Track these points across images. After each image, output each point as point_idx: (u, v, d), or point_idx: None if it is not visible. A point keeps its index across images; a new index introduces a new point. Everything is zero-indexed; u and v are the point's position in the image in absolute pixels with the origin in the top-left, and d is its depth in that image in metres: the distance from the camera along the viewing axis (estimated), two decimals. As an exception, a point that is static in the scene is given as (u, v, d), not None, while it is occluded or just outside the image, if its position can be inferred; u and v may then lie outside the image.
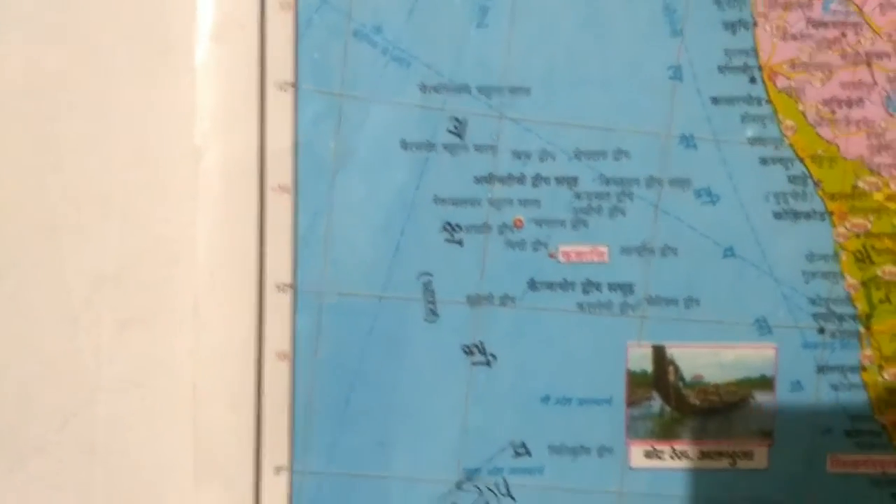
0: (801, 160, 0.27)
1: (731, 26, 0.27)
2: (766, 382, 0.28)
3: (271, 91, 0.27)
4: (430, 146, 0.27)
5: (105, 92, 0.28)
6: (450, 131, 0.27)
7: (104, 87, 0.28)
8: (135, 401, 0.28)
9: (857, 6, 0.27)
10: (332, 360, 0.27)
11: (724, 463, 0.28)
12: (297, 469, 0.27)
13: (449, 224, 0.28)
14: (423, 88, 0.27)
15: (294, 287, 0.27)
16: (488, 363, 0.28)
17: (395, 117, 0.27)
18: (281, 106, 0.27)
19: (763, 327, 0.28)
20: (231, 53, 0.27)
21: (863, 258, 0.27)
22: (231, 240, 0.27)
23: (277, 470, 0.27)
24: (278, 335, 0.27)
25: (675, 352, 0.28)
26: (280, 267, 0.27)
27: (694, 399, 0.28)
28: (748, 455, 0.28)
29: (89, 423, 0.28)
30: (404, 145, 0.27)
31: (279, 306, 0.27)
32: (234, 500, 0.27)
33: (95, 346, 0.28)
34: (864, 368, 0.28)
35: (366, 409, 0.28)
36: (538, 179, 0.28)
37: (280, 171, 0.27)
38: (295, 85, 0.27)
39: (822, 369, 0.28)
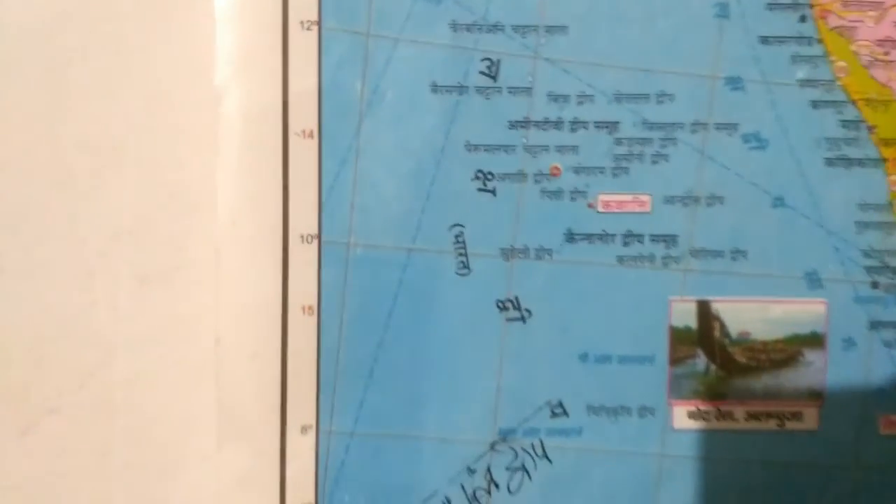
0: (854, 103, 0.27)
1: (781, -39, 0.26)
2: (816, 339, 0.27)
3: (294, 30, 0.26)
4: (461, 89, 0.27)
5: (118, 33, 0.27)
6: (482, 73, 0.27)
7: (117, 29, 0.27)
8: (154, 359, 0.27)
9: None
10: (359, 315, 0.27)
11: (771, 424, 0.27)
12: (323, 428, 0.27)
13: (481, 172, 0.27)
14: (454, 27, 0.27)
15: (319, 238, 0.27)
16: (523, 319, 0.27)
17: (424, 58, 0.26)
18: (304, 46, 0.26)
19: (813, 281, 0.27)
20: (252, -10, 0.26)
21: (920, 207, 0.27)
22: (253, 188, 0.26)
23: (304, 429, 0.27)
24: (303, 288, 0.27)
25: (720, 307, 0.27)
26: (305, 217, 0.27)
27: (740, 357, 0.27)
28: (797, 416, 0.27)
29: (107, 383, 0.27)
30: (434, 88, 0.27)
31: (304, 258, 0.27)
32: (258, 460, 0.27)
33: (112, 302, 0.27)
34: (919, 324, 0.27)
35: (395, 367, 0.27)
36: (576, 124, 0.27)
37: (304, 115, 0.26)
38: (319, 24, 0.26)
39: (874, 325, 0.27)
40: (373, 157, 0.27)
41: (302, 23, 0.26)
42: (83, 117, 0.27)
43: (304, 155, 0.27)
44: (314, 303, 0.27)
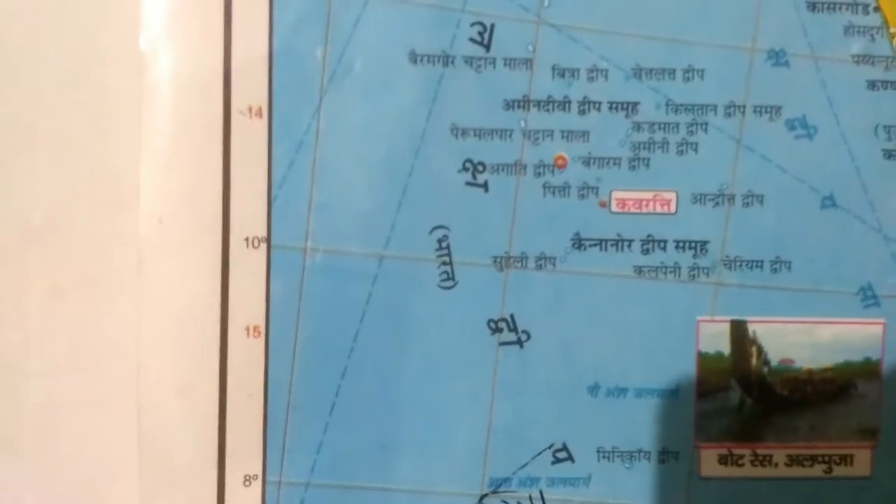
0: None
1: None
2: (870, 367, 0.26)
3: None
4: (446, 59, 0.25)
5: None
6: (472, 40, 0.25)
7: None
8: (69, 388, 0.26)
9: None
10: (317, 338, 0.26)
11: (817, 470, 0.26)
12: (271, 479, 0.26)
13: (470, 162, 0.25)
14: None
15: (268, 242, 0.25)
16: (520, 343, 0.26)
17: (401, 20, 0.25)
18: (252, 2, 0.25)
19: (869, 297, 0.26)
20: (186, -67, 0.25)
21: None
22: (186, 178, 0.25)
23: (246, 479, 0.26)
24: (248, 304, 0.25)
25: (758, 329, 0.26)
26: (250, 215, 0.25)
27: (781, 389, 0.26)
28: (847, 460, 0.26)
29: (13, 415, 0.26)
30: (413, 58, 0.25)
31: (249, 266, 0.25)
32: (190, 519, 0.26)
33: (19, 320, 0.26)
34: None
35: (362, 402, 0.26)
36: (586, 105, 0.25)
37: (251, 88, 0.25)
38: None
39: None
40: (336, 141, 0.25)
41: None
42: (-16, 92, 0.26)
43: (250, 137, 0.25)
44: (261, 322, 0.26)
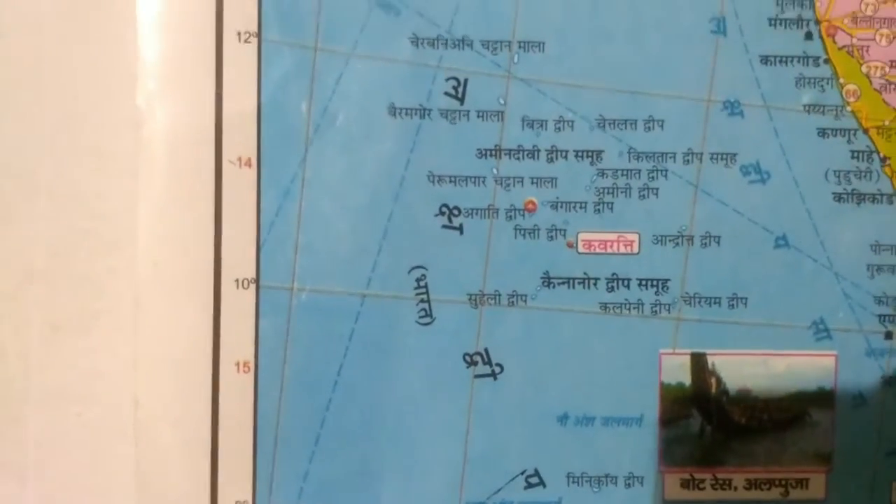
0: (866, 131, 0.26)
1: (784, -29, 0.26)
2: (823, 396, 0.26)
3: (230, 42, 0.25)
4: (423, 111, 0.26)
5: (28, 43, 0.26)
6: (447, 94, 0.26)
7: (27, 40, 0.26)
8: (69, 418, 0.26)
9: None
10: (303, 372, 0.26)
11: (774, 494, 0.26)
12: None
13: (446, 206, 0.26)
14: (416, 41, 0.26)
15: (257, 282, 0.26)
16: (494, 375, 0.26)
17: (380, 77, 0.25)
18: (242, 61, 0.25)
19: (821, 331, 0.26)
20: (181, -4, 0.25)
21: (939, 249, 0.26)
22: (180, 223, 0.25)
23: None
24: (238, 341, 0.26)
25: (717, 361, 0.26)
26: (240, 258, 0.26)
27: (739, 417, 0.26)
28: (802, 484, 0.26)
29: (16, 443, 0.26)
30: (392, 111, 0.26)
31: (239, 306, 0.26)
32: (183, 543, 0.26)
33: (22, 353, 0.26)
34: (940, 380, 0.26)
35: (345, 433, 0.26)
36: (554, 153, 0.26)
37: (241, 140, 0.25)
38: (259, 35, 0.25)
39: (889, 381, 0.26)
40: (321, 188, 0.26)
41: (239, 34, 0.25)
42: (-15, 140, 0.26)
43: (241, 186, 0.26)
44: (250, 358, 0.26)
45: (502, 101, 0.26)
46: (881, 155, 0.26)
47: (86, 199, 0.26)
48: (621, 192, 0.26)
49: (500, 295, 0.26)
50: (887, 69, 0.26)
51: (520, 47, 0.25)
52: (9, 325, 0.26)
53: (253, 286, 0.26)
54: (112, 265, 0.26)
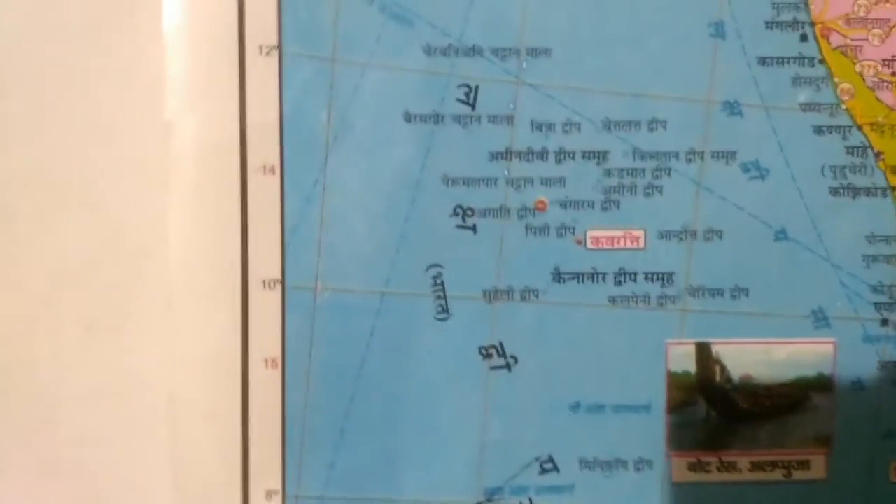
0: (860, 128, 0.26)
1: (779, -24, 0.26)
2: (823, 382, 0.26)
3: (252, 56, 0.26)
4: (437, 118, 0.26)
5: (60, 61, 0.27)
6: (459, 100, 0.26)
7: (59, 56, 0.27)
8: (103, 416, 0.27)
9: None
10: (328, 367, 0.26)
11: (777, 475, 0.27)
12: (290, 493, 0.26)
13: (460, 207, 0.26)
14: (429, 51, 0.26)
15: (283, 283, 0.26)
16: (508, 367, 0.26)
17: (396, 85, 0.26)
18: (263, 73, 0.26)
19: (819, 319, 0.26)
20: (205, 13, 0.25)
21: (932, 239, 0.26)
22: (209, 229, 0.26)
23: (268, 494, 0.26)
24: (265, 339, 0.26)
25: (720, 349, 0.26)
26: (266, 260, 0.26)
27: (743, 402, 0.26)
28: (804, 465, 0.27)
29: (52, 441, 0.27)
30: (407, 117, 0.26)
31: (266, 305, 0.26)
32: (217, 530, 0.26)
33: (57, 354, 0.27)
34: (934, 365, 0.27)
35: (368, 424, 0.26)
36: (562, 154, 0.26)
37: (264, 149, 0.26)
38: (279, 48, 0.26)
39: (885, 366, 0.26)
40: (341, 193, 0.26)
41: (260, 48, 0.26)
42: (21, 152, 0.27)
43: (265, 192, 0.26)
44: (277, 355, 0.26)
45: (512, 106, 0.26)
46: (875, 150, 0.26)
47: (117, 208, 0.27)
48: (627, 191, 0.26)
49: (513, 290, 0.26)
50: (880, 68, 0.26)
51: (528, 54, 0.26)
52: (43, 328, 0.27)
53: (279, 287, 0.26)
54: (141, 270, 0.27)
